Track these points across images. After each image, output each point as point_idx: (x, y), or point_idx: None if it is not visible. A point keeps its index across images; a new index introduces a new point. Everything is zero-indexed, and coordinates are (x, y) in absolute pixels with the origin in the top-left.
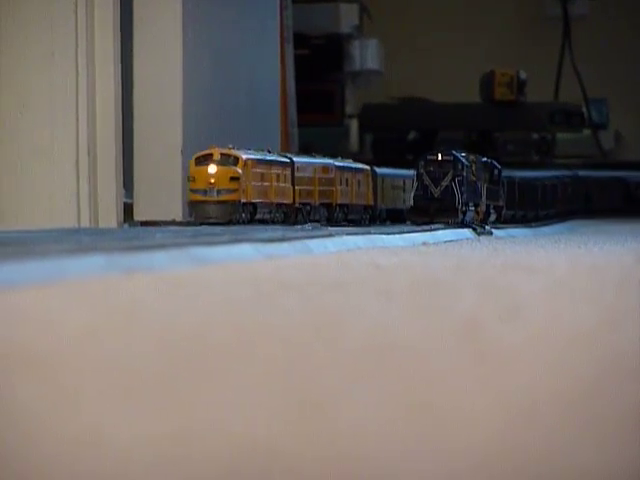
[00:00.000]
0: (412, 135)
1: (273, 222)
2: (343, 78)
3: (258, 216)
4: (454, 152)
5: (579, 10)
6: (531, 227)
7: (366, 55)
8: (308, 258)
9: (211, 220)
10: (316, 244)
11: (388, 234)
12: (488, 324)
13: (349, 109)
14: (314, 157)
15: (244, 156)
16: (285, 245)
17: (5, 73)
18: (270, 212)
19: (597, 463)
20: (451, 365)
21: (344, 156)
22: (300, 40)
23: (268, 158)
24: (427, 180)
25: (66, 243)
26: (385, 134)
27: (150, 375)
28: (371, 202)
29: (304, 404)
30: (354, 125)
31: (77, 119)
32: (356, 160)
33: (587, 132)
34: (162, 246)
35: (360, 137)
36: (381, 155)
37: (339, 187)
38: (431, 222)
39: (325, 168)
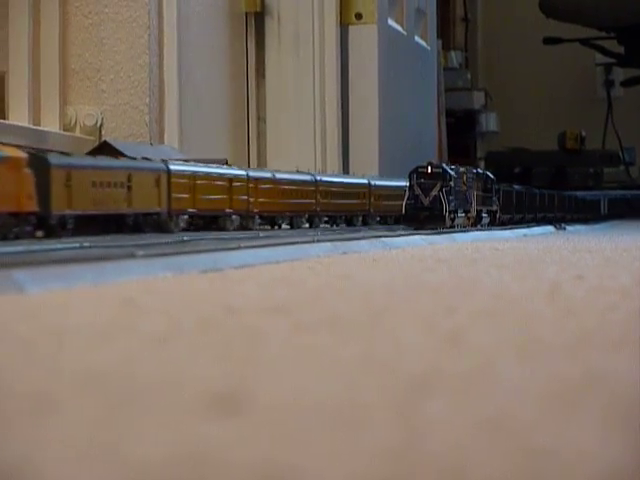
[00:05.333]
0: (517, 170)
1: None
2: (475, 136)
3: None
4: (443, 165)
5: (617, 93)
6: (588, 225)
7: (489, 122)
8: (454, 244)
9: None
10: (459, 236)
11: (501, 230)
12: (564, 283)
13: (479, 154)
14: None
15: None
16: (440, 236)
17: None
18: None
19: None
20: (539, 306)
21: None
22: (449, 113)
23: None
24: (418, 190)
25: (306, 236)
26: (501, 169)
27: (357, 313)
28: (30, 207)
29: (451, 333)
30: (482, 164)
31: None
32: None
33: (622, 167)
34: (364, 237)
35: None
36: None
37: None
38: (422, 228)
39: None
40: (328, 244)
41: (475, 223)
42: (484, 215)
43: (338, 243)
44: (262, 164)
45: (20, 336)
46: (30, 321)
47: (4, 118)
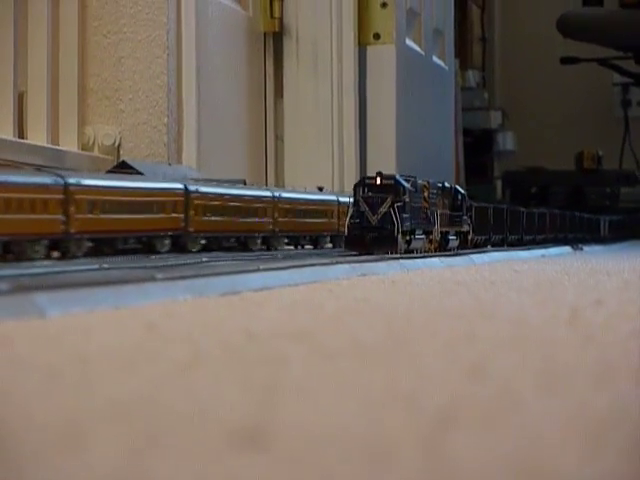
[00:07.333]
0: (534, 190)
1: None
2: (492, 155)
3: None
4: (396, 176)
5: (634, 113)
6: (604, 245)
7: (506, 141)
8: (472, 266)
9: None
10: (476, 257)
11: (518, 250)
12: (583, 308)
13: (496, 174)
14: None
15: None
16: (458, 258)
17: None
18: None
19: None
20: (560, 332)
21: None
22: (467, 132)
23: None
24: (364, 206)
25: (326, 258)
26: (518, 189)
27: (378, 339)
28: None
29: (474, 363)
30: (499, 184)
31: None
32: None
33: (639, 187)
34: (382, 259)
35: (503, 191)
36: (515, 202)
37: None
38: (368, 253)
39: None
40: (346, 266)
41: (440, 246)
42: (451, 238)
43: (356, 265)
44: (280, 183)
45: (43, 363)
46: (53, 347)
47: (23, 137)
